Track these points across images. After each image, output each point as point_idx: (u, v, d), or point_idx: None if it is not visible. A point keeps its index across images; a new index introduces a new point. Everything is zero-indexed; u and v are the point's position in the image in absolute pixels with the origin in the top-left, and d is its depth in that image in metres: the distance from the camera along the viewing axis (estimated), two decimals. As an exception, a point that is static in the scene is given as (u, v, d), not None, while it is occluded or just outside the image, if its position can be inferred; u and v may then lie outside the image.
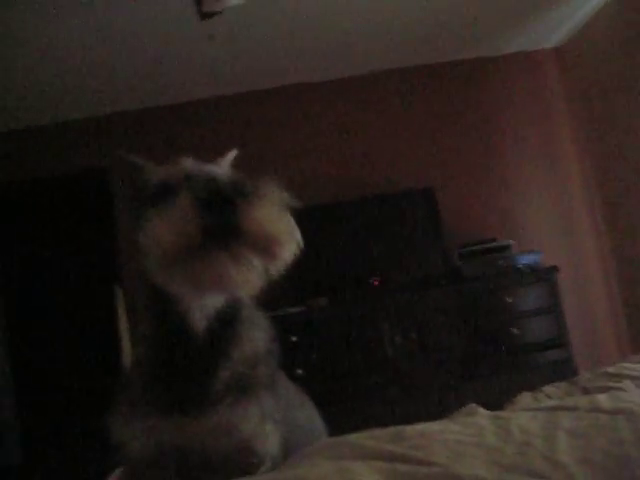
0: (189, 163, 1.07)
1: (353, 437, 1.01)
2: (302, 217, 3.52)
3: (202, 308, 1.05)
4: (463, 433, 1.01)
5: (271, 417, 1.08)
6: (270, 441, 1.07)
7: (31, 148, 5.08)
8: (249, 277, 0.91)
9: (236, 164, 1.26)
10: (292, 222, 0.94)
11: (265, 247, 0.91)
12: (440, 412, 1.59)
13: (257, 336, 1.12)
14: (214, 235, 0.86)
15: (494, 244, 4.52)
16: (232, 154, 1.27)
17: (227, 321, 1.08)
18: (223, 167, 1.22)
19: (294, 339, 3.88)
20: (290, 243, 0.93)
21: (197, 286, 0.92)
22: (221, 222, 0.86)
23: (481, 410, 1.53)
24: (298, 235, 0.94)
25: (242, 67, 4.65)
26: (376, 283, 4.48)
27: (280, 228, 0.91)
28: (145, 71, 4.46)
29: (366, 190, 4.78)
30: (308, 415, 1.32)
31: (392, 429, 1.06)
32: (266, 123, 5.07)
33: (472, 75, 5.16)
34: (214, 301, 1.05)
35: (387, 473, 0.73)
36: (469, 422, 1.11)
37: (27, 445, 5.75)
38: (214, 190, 0.87)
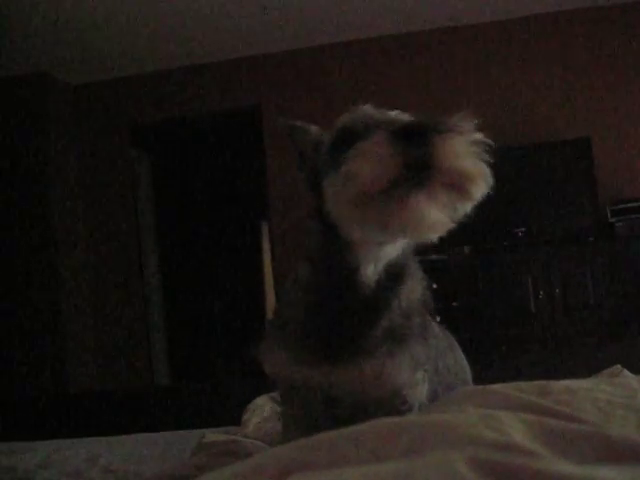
0: (369, 109, 1.02)
1: (497, 387, 1.01)
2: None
3: (376, 260, 1.03)
4: (613, 393, 0.98)
5: (422, 366, 1.09)
6: (420, 390, 1.09)
7: (187, 86, 5.29)
8: (443, 218, 0.89)
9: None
10: (483, 160, 0.89)
11: (459, 185, 0.87)
12: (581, 371, 1.55)
13: (414, 286, 1.11)
14: (411, 171, 0.82)
15: (653, 202, 4.26)
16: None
17: (395, 273, 1.06)
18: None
19: (434, 286, 3.87)
20: (483, 181, 0.89)
21: (390, 228, 0.88)
22: (418, 156, 0.82)
23: (627, 373, 1.48)
24: (489, 173, 0.90)
25: (395, 8, 4.57)
26: (521, 234, 4.36)
27: (474, 165, 0.87)
28: (300, 12, 4.49)
29: (518, 138, 4.62)
30: (456, 358, 1.33)
31: (537, 383, 1.04)
32: (413, 67, 4.99)
33: (636, 19, 4.79)
34: (388, 253, 1.03)
35: (534, 425, 0.72)
36: (620, 382, 1.08)
37: (175, 369, 6.16)
38: (409, 124, 0.85)
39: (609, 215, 4.28)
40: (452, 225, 0.92)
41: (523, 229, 4.38)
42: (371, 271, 1.03)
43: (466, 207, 0.92)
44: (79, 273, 5.26)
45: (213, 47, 4.98)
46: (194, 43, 4.89)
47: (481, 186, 0.88)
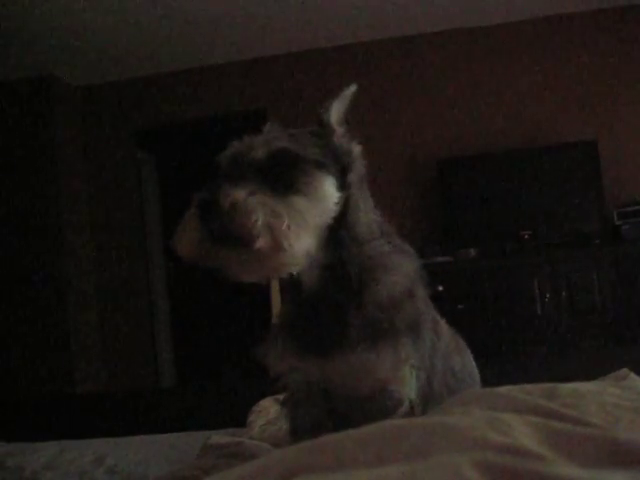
0: (237, 145, 1.16)
1: (504, 390, 1.00)
2: (457, 167, 3.48)
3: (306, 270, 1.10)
4: (621, 397, 0.97)
5: (407, 361, 1.09)
6: (407, 385, 1.09)
7: (193, 89, 5.30)
8: (271, 265, 1.01)
9: (356, 100, 1.23)
10: (293, 226, 0.99)
11: (259, 251, 0.97)
12: (588, 374, 1.55)
13: (393, 280, 1.14)
14: (219, 240, 0.98)
15: (660, 205, 4.24)
16: (350, 91, 1.23)
17: (344, 271, 1.12)
18: (338, 108, 1.23)
19: (440, 289, 3.88)
20: (282, 249, 0.98)
21: (228, 276, 1.04)
22: (221, 232, 0.97)
23: (634, 376, 1.47)
24: (296, 239, 0.99)
25: (401, 10, 4.56)
26: (527, 237, 4.35)
27: (272, 237, 0.97)
28: (307, 14, 4.49)
29: (525, 141, 4.61)
30: (464, 362, 1.33)
31: (544, 385, 1.04)
32: (421, 70, 4.98)
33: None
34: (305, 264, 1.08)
35: (541, 428, 0.72)
36: (627, 386, 1.07)
37: (181, 370, 6.16)
38: (209, 202, 0.99)
39: (615, 218, 4.27)
40: (295, 264, 1.03)
41: (529, 232, 4.37)
42: (307, 278, 1.12)
43: (287, 264, 1.02)
44: (85, 275, 5.26)
45: (219, 50, 4.99)
46: (200, 46, 4.89)
47: (281, 255, 0.99)
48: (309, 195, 1.06)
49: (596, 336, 4.03)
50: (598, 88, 4.75)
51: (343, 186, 1.12)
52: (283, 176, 1.05)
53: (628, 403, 0.95)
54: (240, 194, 0.98)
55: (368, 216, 1.17)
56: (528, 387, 1.02)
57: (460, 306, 4.03)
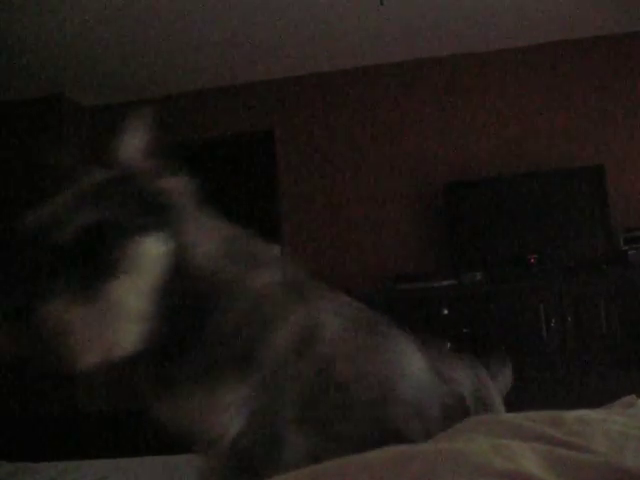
0: (39, 216, 1.03)
1: (509, 417, 1.00)
2: (463, 190, 3.48)
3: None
4: (626, 425, 0.97)
5: (227, 403, 1.01)
6: (227, 425, 1.01)
7: (201, 110, 5.33)
8: (99, 351, 0.92)
9: (156, 124, 1.10)
10: (120, 324, 0.91)
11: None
12: (594, 401, 1.54)
13: (238, 306, 1.04)
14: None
15: (666, 230, 4.24)
16: (137, 120, 1.11)
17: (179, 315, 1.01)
18: (133, 143, 1.09)
19: (445, 312, 3.87)
20: (114, 352, 0.93)
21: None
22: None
23: (642, 403, 1.46)
24: (126, 334, 0.92)
25: (409, 34, 4.60)
26: (533, 261, 4.34)
27: (99, 349, 0.91)
28: (314, 37, 4.52)
29: (531, 165, 4.62)
30: (360, 367, 1.15)
31: (549, 413, 1.03)
32: (429, 93, 5.01)
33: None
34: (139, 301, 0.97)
35: (546, 456, 0.72)
36: (633, 413, 1.06)
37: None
38: (31, 325, 0.87)
39: (622, 243, 4.25)
40: (130, 349, 0.94)
41: (536, 256, 4.36)
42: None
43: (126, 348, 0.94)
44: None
45: (227, 71, 5.03)
46: (208, 68, 4.93)
47: (109, 356, 0.92)
48: (132, 272, 0.92)
49: (603, 362, 4.00)
50: (605, 113, 4.77)
51: (171, 230, 1.00)
52: (97, 260, 0.90)
53: (634, 431, 0.94)
54: (54, 310, 0.86)
55: (207, 244, 1.07)
56: (533, 414, 1.02)
57: (465, 330, 4.01)
